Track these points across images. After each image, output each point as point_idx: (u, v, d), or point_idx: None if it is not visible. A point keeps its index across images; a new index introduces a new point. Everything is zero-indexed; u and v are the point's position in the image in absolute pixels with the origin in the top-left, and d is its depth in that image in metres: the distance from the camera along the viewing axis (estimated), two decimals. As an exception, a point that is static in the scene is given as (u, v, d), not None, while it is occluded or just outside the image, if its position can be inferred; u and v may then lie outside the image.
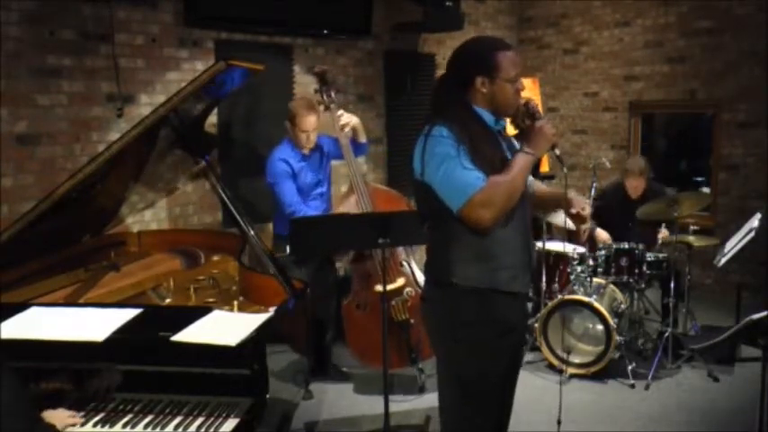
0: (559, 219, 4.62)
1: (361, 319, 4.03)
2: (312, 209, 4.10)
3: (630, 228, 4.82)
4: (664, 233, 4.74)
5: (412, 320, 3.95)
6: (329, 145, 4.24)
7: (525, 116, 2.32)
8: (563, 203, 2.40)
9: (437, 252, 2.27)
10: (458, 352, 2.22)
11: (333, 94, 4.11)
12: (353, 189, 4.00)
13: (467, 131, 2.16)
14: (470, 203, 2.08)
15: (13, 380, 1.82)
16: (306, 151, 4.10)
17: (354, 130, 4.16)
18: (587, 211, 2.38)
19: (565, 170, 2.37)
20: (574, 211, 2.37)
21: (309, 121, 3.98)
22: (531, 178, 2.43)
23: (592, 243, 4.85)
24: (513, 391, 2.40)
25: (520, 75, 2.26)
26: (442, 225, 2.19)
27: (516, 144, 2.35)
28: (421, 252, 5.01)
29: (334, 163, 4.41)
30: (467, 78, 2.23)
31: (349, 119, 4.11)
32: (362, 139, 4.23)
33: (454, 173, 2.09)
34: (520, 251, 2.24)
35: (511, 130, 4.50)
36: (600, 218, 4.90)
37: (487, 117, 2.26)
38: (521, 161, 2.18)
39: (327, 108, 4.09)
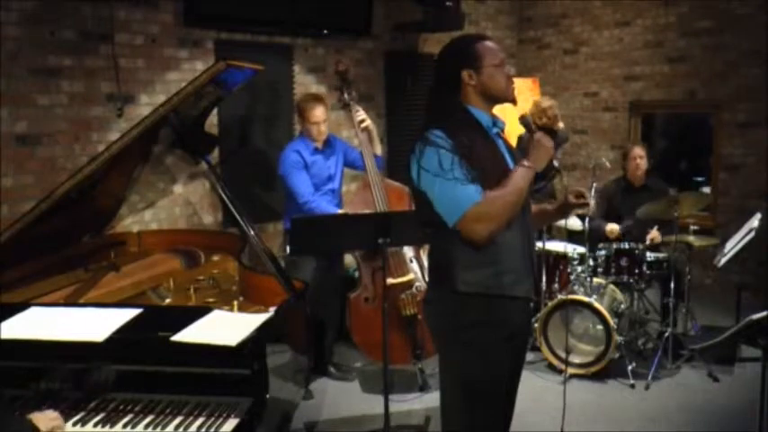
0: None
1: (368, 312, 4.03)
2: (325, 202, 4.13)
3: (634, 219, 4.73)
4: (654, 234, 4.67)
5: (420, 315, 3.94)
6: (347, 151, 4.34)
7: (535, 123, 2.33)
8: (559, 206, 2.42)
9: (439, 257, 2.27)
10: (461, 354, 2.22)
11: (353, 93, 4.18)
12: (370, 185, 4.03)
13: (464, 135, 2.16)
14: (465, 218, 2.09)
15: None
16: (319, 145, 4.18)
17: (369, 131, 4.19)
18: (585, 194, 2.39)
19: (565, 181, 2.40)
20: (573, 199, 2.37)
21: (316, 113, 4.05)
22: None
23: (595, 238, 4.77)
24: (515, 393, 2.42)
25: (504, 61, 2.27)
26: (443, 231, 2.19)
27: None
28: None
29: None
30: (454, 76, 2.24)
31: (365, 116, 4.17)
32: (377, 150, 4.26)
33: (449, 187, 2.10)
34: (522, 256, 2.24)
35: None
36: (605, 212, 4.90)
37: (485, 118, 2.26)
38: (519, 174, 2.18)
39: (347, 105, 4.14)
